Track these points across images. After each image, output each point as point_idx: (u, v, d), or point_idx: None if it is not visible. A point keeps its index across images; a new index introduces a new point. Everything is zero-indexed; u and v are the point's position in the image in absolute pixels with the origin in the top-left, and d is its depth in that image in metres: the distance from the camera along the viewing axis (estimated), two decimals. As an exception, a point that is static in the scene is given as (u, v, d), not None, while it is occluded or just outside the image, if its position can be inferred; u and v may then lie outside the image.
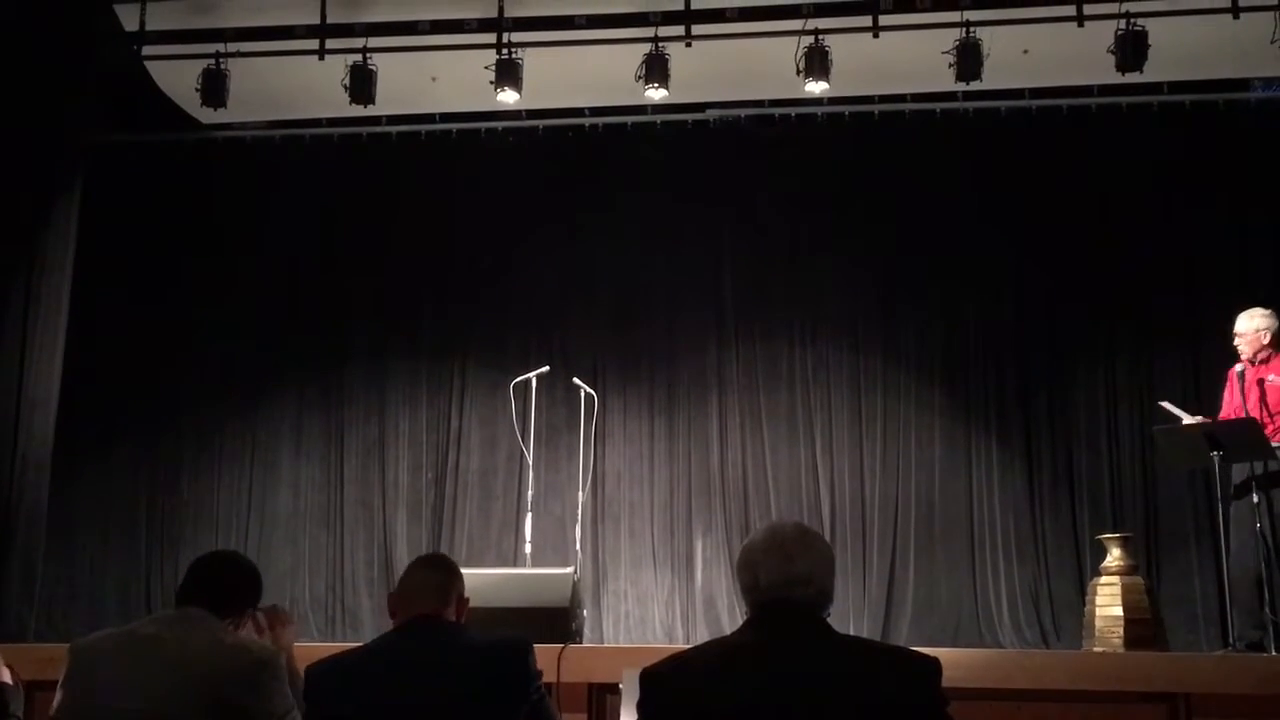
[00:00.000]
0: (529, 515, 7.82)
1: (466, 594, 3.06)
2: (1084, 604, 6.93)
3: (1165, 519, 8.49)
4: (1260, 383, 6.54)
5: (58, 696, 2.89)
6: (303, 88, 8.71)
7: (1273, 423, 6.42)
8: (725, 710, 2.26)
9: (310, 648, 3.09)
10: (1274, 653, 5.92)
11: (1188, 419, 6.62)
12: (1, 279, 7.78)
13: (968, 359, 9.03)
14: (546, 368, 8.22)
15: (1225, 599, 7.19)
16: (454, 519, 9.16)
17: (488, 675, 2.80)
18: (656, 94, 8.19)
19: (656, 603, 8.88)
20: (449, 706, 2.74)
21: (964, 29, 7.83)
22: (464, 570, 3.16)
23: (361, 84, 8.23)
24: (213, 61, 8.31)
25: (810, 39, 7.91)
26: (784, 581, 2.38)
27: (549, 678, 3.24)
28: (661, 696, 2.35)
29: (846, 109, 9.12)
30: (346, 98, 8.28)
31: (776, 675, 2.27)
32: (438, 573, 3.02)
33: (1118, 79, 7.94)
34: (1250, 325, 6.69)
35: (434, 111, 9.40)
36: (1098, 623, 6.44)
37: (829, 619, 2.47)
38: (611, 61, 8.19)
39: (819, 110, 9.12)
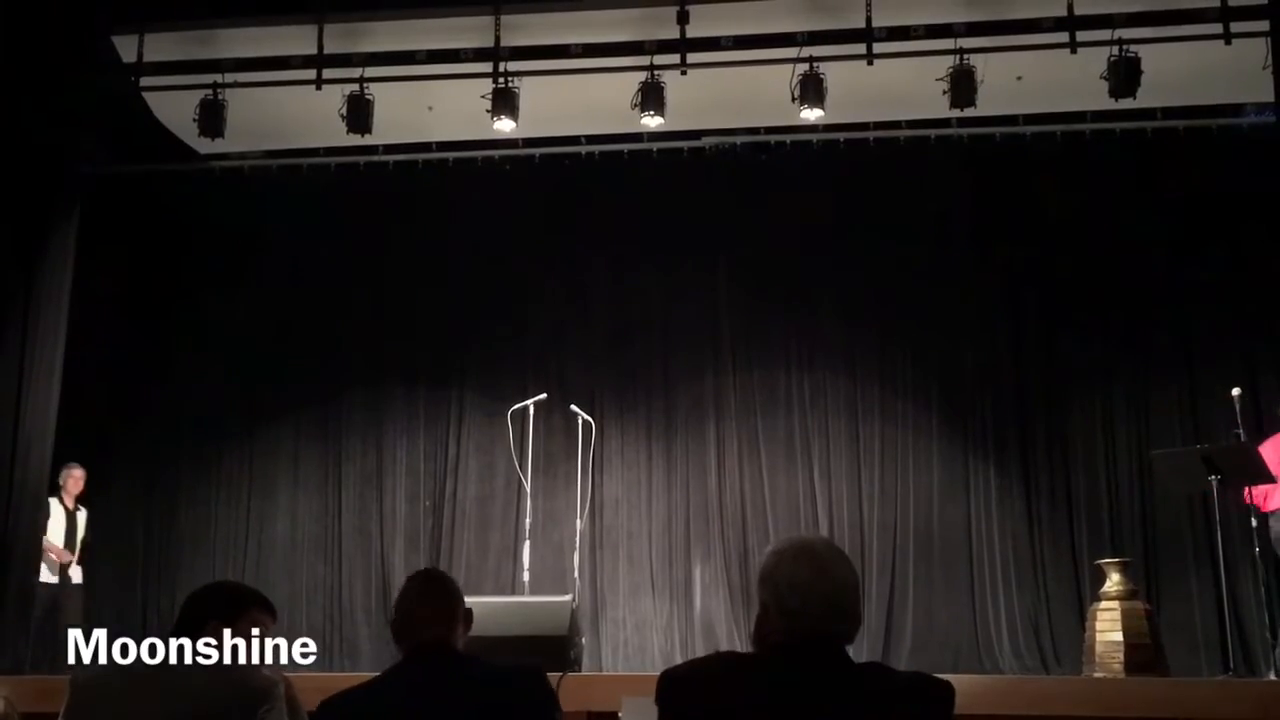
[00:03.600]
0: (527, 543, 7.80)
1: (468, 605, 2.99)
2: (1084, 629, 6.91)
3: (1164, 544, 8.49)
4: None
5: (58, 729, 2.88)
6: (300, 118, 8.74)
7: None
8: None
9: (308, 677, 3.05)
10: (1276, 677, 5.91)
11: None
12: (-1, 309, 7.77)
13: (965, 385, 9.04)
14: (544, 395, 8.22)
15: (1225, 623, 7.18)
16: (452, 547, 9.15)
17: (507, 706, 2.74)
18: (653, 122, 8.22)
19: (655, 630, 8.86)
20: None
21: (958, 56, 7.86)
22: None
23: (358, 114, 8.25)
24: (210, 92, 8.33)
25: (805, 66, 7.94)
26: (831, 608, 2.32)
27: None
28: (681, 701, 2.31)
29: (841, 136, 9.16)
30: (344, 127, 8.30)
31: (803, 702, 2.24)
32: (440, 599, 2.91)
33: (1111, 105, 7.97)
34: None
35: (431, 140, 9.45)
36: (1098, 648, 6.42)
37: None
38: (608, 90, 8.22)
39: (814, 137, 9.17)
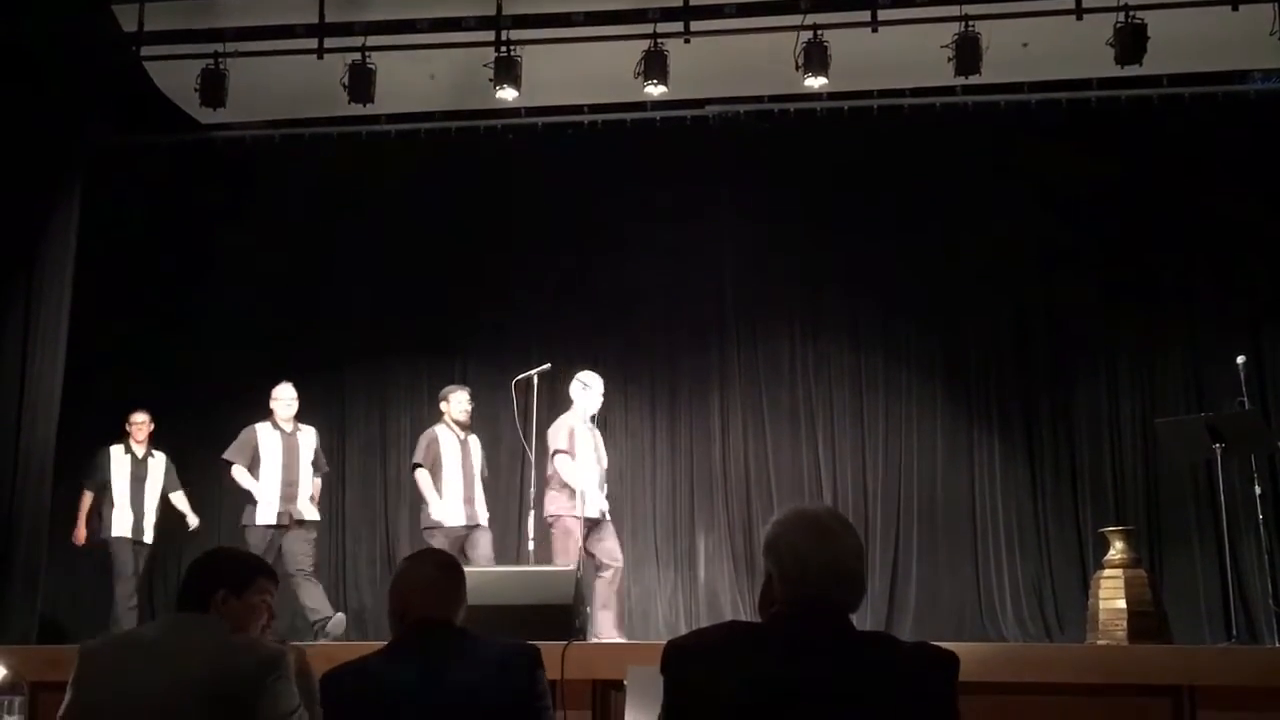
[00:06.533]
0: (531, 513, 7.81)
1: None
2: (1087, 597, 6.92)
3: (1168, 511, 8.50)
4: None
5: (67, 696, 2.90)
6: (302, 87, 8.70)
7: None
8: (749, 700, 2.24)
9: (316, 646, 3.07)
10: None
11: None
12: (2, 282, 7.77)
13: (968, 354, 9.04)
14: (548, 365, 8.19)
15: (1228, 590, 7.20)
16: (456, 517, 9.14)
17: (500, 686, 2.78)
18: (656, 90, 8.18)
19: (659, 599, 8.89)
20: (461, 714, 2.73)
21: (963, 23, 7.81)
22: (467, 569, 3.14)
23: (360, 83, 8.21)
24: (211, 61, 8.29)
25: (809, 34, 7.90)
26: (832, 576, 2.32)
27: (553, 675, 3.20)
28: (686, 671, 2.32)
29: (846, 104, 9.12)
30: (345, 96, 8.27)
31: (806, 671, 2.25)
32: (447, 576, 2.97)
33: (1117, 72, 7.93)
34: None
35: (433, 110, 9.40)
36: (1101, 616, 6.43)
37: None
38: (610, 58, 8.18)
39: (818, 105, 9.12)
